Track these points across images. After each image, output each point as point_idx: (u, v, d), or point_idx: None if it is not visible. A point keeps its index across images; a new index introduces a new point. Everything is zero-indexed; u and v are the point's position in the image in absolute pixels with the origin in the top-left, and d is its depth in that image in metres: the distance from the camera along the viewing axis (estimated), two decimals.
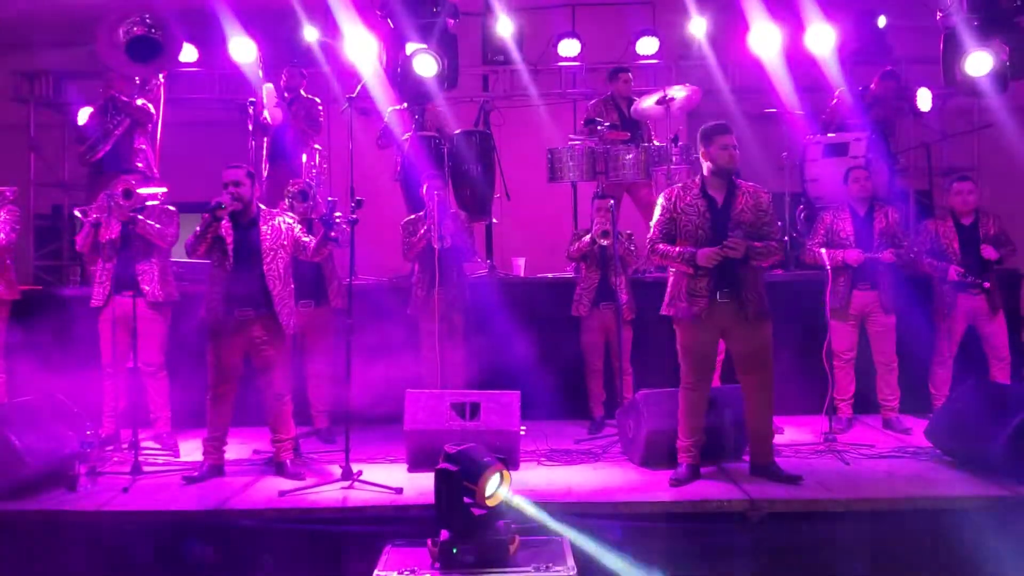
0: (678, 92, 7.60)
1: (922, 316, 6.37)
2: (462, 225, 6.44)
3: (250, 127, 7.66)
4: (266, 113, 7.45)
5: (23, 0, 7.88)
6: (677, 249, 5.01)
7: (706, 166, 5.08)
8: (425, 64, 7.25)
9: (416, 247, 6.22)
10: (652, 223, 5.20)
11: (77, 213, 6.14)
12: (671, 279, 5.19)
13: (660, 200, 5.20)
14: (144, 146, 7.57)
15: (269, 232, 5.32)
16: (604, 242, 6.30)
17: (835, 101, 8.01)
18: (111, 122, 7.37)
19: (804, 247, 6.51)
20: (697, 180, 5.12)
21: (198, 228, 5.19)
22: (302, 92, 7.79)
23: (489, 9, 9.29)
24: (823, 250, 6.09)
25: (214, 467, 5.35)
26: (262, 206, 5.44)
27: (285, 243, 5.35)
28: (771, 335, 5.12)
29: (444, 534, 3.92)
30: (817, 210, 7.46)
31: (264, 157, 7.72)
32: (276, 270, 5.29)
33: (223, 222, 5.20)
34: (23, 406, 5.37)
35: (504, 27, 9.31)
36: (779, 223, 5.17)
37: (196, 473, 5.29)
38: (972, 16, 6.95)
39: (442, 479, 4.00)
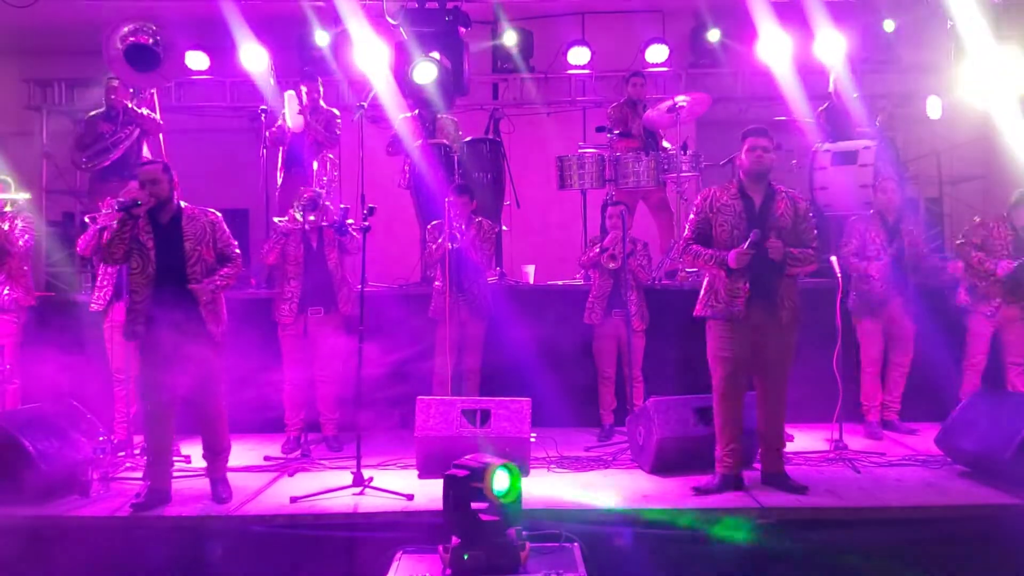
0: (686, 100, 7.63)
1: (937, 324, 6.38)
2: (485, 234, 6.46)
3: (266, 134, 7.71)
4: (288, 120, 7.49)
5: (36, 9, 7.93)
6: (709, 251, 4.99)
7: (741, 168, 5.11)
8: (425, 72, 7.27)
9: (435, 254, 6.27)
10: (688, 224, 5.21)
11: (87, 219, 6.19)
12: (706, 280, 5.17)
13: (696, 200, 5.21)
14: (150, 156, 7.65)
15: (192, 232, 4.96)
16: (611, 265, 6.33)
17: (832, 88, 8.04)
18: (121, 132, 7.44)
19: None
20: (735, 181, 5.12)
21: (107, 230, 4.89)
22: (322, 103, 7.81)
23: (499, 18, 9.34)
24: (833, 258, 6.08)
25: (158, 492, 4.92)
26: (183, 203, 5.05)
27: (208, 242, 4.99)
28: (795, 346, 5.11)
29: (455, 540, 3.93)
30: (829, 218, 7.47)
31: (280, 165, 7.77)
32: (199, 273, 4.93)
33: (139, 222, 4.86)
34: (37, 412, 5.40)
35: (509, 37, 9.37)
36: (815, 231, 5.15)
37: (141, 499, 4.85)
38: (981, 24, 6.96)
39: (450, 484, 4.01)
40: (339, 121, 7.86)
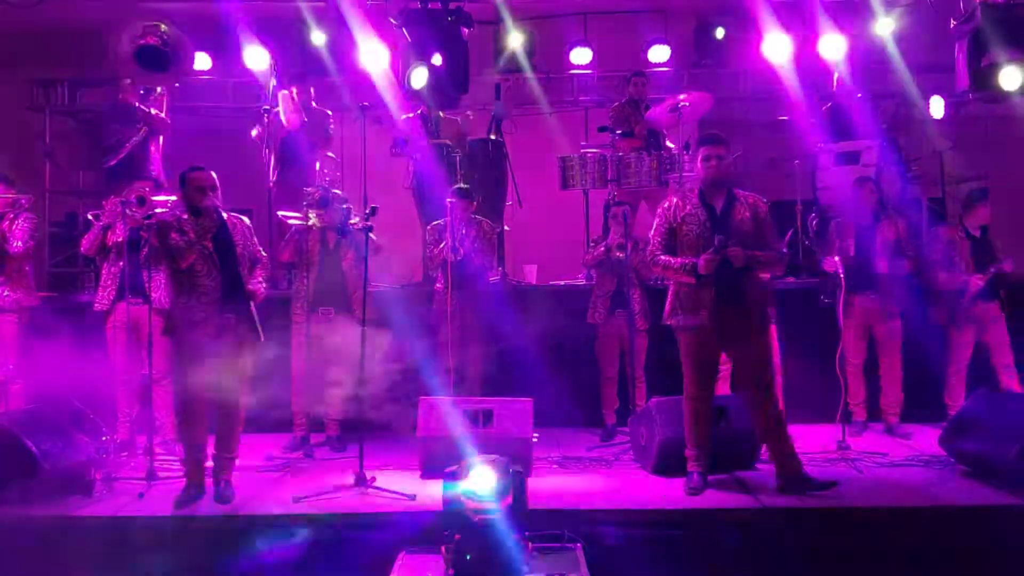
0: (688, 99, 7.62)
1: (933, 325, 6.38)
2: (485, 235, 6.45)
3: (254, 133, 7.72)
4: (283, 120, 7.49)
5: (39, 10, 7.94)
6: (679, 260, 5.02)
7: (698, 177, 5.15)
8: (419, 77, 7.26)
9: (437, 258, 6.27)
10: (651, 234, 5.23)
11: (90, 217, 6.20)
12: (671, 289, 5.20)
13: (659, 211, 5.24)
14: (156, 155, 7.66)
15: (238, 236, 5.13)
16: (619, 255, 6.31)
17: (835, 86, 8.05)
18: (129, 130, 7.44)
19: (822, 257, 6.49)
20: (696, 190, 5.15)
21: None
22: (312, 104, 7.82)
23: (502, 18, 9.33)
24: (836, 258, 6.10)
25: (197, 487, 5.02)
26: (224, 213, 5.14)
27: (248, 245, 5.19)
28: (773, 343, 5.11)
29: (457, 541, 3.92)
30: (829, 218, 7.47)
31: (273, 164, 7.76)
32: (246, 275, 5.14)
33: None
34: (40, 412, 5.41)
35: (514, 38, 9.37)
36: (776, 233, 5.17)
37: (184, 496, 4.95)
38: (988, 25, 6.95)
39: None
40: (331, 122, 7.88)
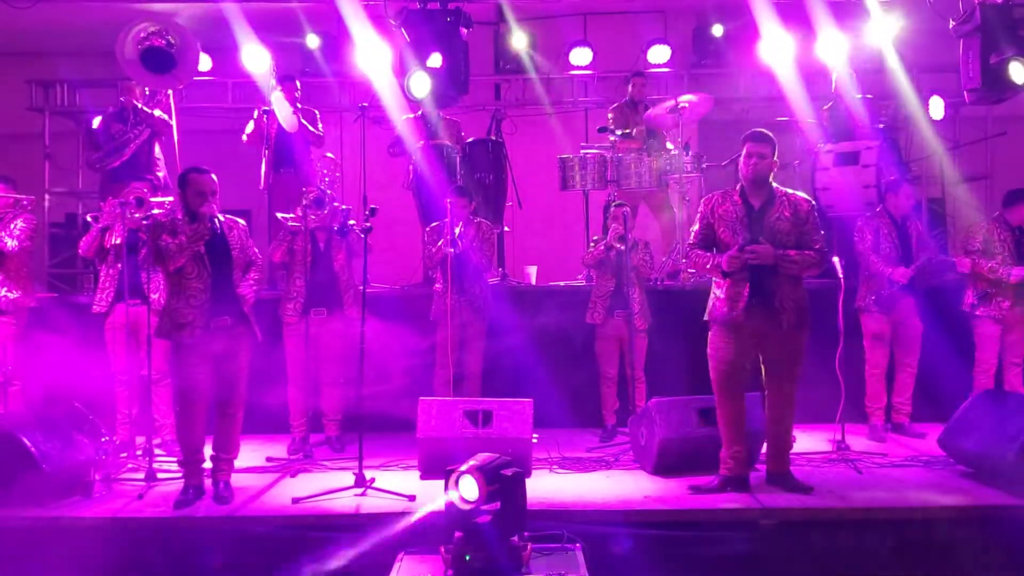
0: (689, 100, 7.61)
1: (942, 324, 6.38)
2: (484, 235, 6.45)
3: (245, 136, 7.72)
4: (281, 120, 7.47)
5: (38, 10, 7.94)
6: (708, 256, 5.02)
7: (741, 173, 5.12)
8: (419, 83, 7.24)
9: (435, 257, 6.27)
10: (692, 229, 5.24)
11: (89, 219, 6.20)
12: (713, 285, 5.18)
13: (700, 207, 5.24)
14: (161, 156, 7.64)
15: (234, 240, 5.14)
16: (620, 246, 6.30)
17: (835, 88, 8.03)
18: (131, 132, 7.42)
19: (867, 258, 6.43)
20: (738, 187, 5.13)
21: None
22: (298, 104, 7.81)
23: (502, 19, 9.33)
24: (836, 259, 6.08)
25: (197, 488, 5.05)
26: (221, 216, 5.15)
27: (244, 248, 5.21)
28: (804, 347, 5.08)
29: (457, 541, 3.92)
30: (829, 219, 7.46)
31: (265, 166, 7.73)
32: (240, 278, 5.20)
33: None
34: (39, 413, 5.41)
35: (517, 38, 9.38)
36: (822, 232, 5.13)
37: (183, 497, 4.98)
38: (986, 25, 6.96)
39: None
40: (319, 121, 7.90)
